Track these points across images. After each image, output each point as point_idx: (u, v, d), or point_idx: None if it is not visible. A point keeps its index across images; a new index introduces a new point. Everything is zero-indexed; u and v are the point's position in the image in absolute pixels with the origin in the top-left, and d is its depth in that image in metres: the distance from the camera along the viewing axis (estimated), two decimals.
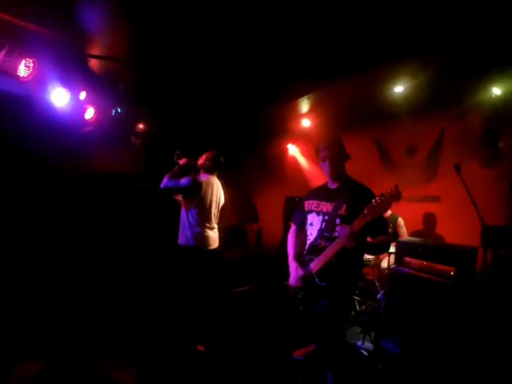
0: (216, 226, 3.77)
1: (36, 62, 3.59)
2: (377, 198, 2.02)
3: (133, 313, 4.16)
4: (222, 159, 3.76)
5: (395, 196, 1.99)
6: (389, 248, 2.44)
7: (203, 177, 3.64)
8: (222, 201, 3.83)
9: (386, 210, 2.05)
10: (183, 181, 3.50)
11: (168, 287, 4.49)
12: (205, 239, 3.59)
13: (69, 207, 4.99)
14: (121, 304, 4.34)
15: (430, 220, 4.88)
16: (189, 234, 3.56)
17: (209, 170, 3.71)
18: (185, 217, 3.61)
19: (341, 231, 2.14)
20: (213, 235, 3.69)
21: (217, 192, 3.72)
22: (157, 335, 3.71)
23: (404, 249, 3.60)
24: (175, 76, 4.54)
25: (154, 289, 4.76)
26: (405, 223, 4.68)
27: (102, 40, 3.70)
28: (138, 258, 5.34)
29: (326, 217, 2.35)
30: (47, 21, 3.27)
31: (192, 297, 3.69)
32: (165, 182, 3.52)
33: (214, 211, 3.70)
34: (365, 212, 2.03)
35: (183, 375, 3.05)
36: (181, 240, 3.64)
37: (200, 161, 3.71)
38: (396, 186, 1.99)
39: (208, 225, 3.62)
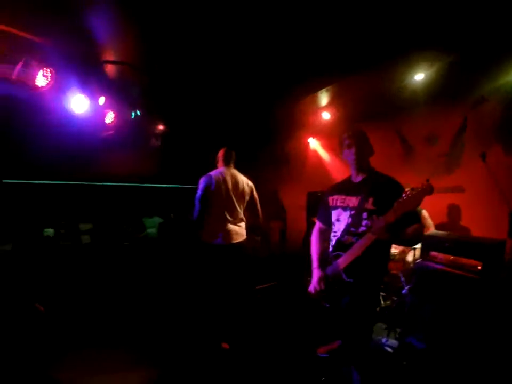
0: (240, 218, 3.73)
1: (54, 71, 3.67)
2: (408, 193, 1.96)
3: (155, 311, 4.24)
4: (230, 151, 3.82)
5: (427, 191, 1.92)
6: (422, 238, 2.36)
7: (213, 171, 3.68)
8: (246, 191, 3.78)
9: (417, 205, 1.98)
10: (196, 197, 3.57)
11: (192, 285, 4.55)
12: (226, 233, 3.58)
13: (96, 211, 5.12)
14: (141, 302, 4.43)
15: (454, 211, 4.74)
16: (208, 229, 3.58)
17: (221, 164, 3.77)
18: (206, 213, 3.62)
19: (374, 223, 2.10)
20: (235, 228, 3.65)
21: (235, 182, 3.69)
22: (182, 333, 3.77)
23: (429, 243, 3.51)
24: (190, 75, 4.55)
25: (177, 288, 4.83)
26: (429, 214, 4.57)
27: (117, 46, 3.76)
28: (161, 257, 5.43)
29: (353, 212, 2.30)
30: (61, 31, 3.33)
31: (216, 294, 3.73)
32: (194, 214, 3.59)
33: (236, 202, 3.66)
34: (395, 206, 1.98)
35: (208, 373, 3.09)
36: (204, 236, 3.65)
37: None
38: (428, 181, 1.93)
39: (229, 218, 3.60)
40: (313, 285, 2.43)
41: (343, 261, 2.27)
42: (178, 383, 3.00)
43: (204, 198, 3.55)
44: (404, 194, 1.96)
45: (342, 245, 2.31)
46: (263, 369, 3.20)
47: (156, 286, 4.80)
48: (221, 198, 3.57)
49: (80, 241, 5.00)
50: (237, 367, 3.24)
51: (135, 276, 4.90)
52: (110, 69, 4.19)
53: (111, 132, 4.85)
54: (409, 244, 3.05)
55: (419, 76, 4.39)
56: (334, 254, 2.36)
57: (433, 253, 3.42)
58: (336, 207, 2.44)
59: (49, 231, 4.81)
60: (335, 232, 2.42)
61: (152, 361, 3.25)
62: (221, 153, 3.82)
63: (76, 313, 3.94)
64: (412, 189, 1.95)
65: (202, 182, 3.60)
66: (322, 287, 2.37)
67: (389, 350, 3.47)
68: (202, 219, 3.59)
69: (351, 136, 2.38)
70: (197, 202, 3.56)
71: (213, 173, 3.67)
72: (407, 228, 2.15)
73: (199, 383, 3.00)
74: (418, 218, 2.23)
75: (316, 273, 2.45)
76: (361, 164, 2.38)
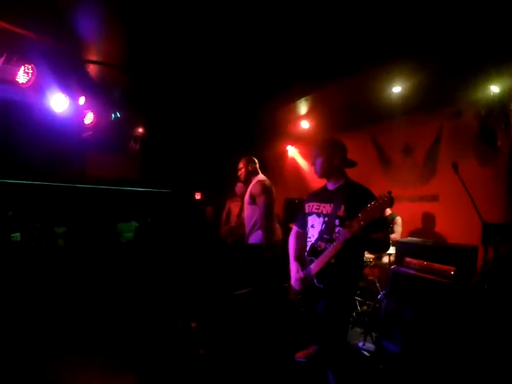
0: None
1: (35, 68, 3.61)
2: (372, 203, 2.02)
3: (131, 315, 4.16)
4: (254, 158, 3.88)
5: (387, 202, 2.00)
6: (388, 245, 2.43)
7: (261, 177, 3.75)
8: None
9: (379, 215, 2.05)
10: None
11: (168, 289, 4.49)
12: None
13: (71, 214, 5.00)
14: (116, 307, 4.34)
15: (428, 219, 4.89)
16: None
17: (255, 172, 3.82)
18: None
19: (341, 231, 2.16)
20: None
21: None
22: (158, 338, 3.71)
23: (404, 249, 3.60)
24: (171, 80, 4.56)
25: (153, 292, 4.75)
26: (404, 222, 4.70)
27: (99, 46, 3.73)
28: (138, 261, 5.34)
29: (326, 219, 2.36)
30: (44, 28, 3.29)
31: (193, 300, 3.69)
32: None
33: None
34: (360, 216, 2.04)
35: (184, 379, 3.05)
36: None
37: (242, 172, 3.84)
38: (389, 193, 2.00)
39: None
40: (293, 278, 2.48)
41: (315, 266, 2.33)
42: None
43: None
44: (368, 205, 2.03)
45: (315, 251, 2.36)
46: (240, 374, 3.17)
47: (132, 290, 4.71)
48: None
49: (55, 245, 4.87)
50: (213, 372, 3.20)
51: (110, 280, 4.80)
52: (91, 69, 4.14)
53: (89, 133, 4.77)
54: (375, 250, 3.15)
55: (396, 89, 4.54)
56: (308, 259, 2.42)
57: (408, 259, 3.50)
58: (311, 213, 2.50)
59: (17, 235, 4.64)
60: (309, 238, 2.48)
61: (130, 367, 3.18)
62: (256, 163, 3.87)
63: (53, 319, 3.82)
64: (376, 200, 2.03)
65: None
66: (299, 286, 2.41)
67: (366, 354, 3.51)
68: None
69: (316, 149, 2.48)
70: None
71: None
72: (373, 235, 2.23)
73: None
74: (384, 226, 2.31)
75: (293, 266, 2.52)
76: (327, 175, 2.47)
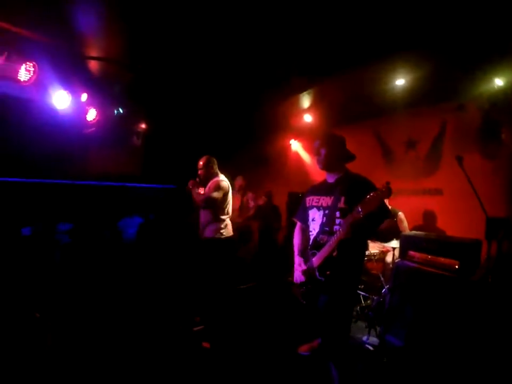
0: None
1: (36, 66, 3.60)
2: (371, 194, 2.02)
3: (135, 309, 4.19)
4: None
5: (385, 193, 1.99)
6: (395, 232, 2.42)
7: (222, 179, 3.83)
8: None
9: (377, 206, 2.04)
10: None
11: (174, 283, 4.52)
12: None
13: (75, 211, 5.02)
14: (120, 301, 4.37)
15: (431, 213, 4.88)
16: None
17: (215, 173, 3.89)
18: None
19: (340, 226, 2.17)
20: None
21: None
22: (163, 331, 3.74)
23: (407, 243, 3.61)
24: (173, 74, 4.54)
25: (159, 286, 4.79)
26: (406, 216, 4.68)
27: (100, 43, 3.72)
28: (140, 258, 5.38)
29: (327, 212, 2.36)
30: (45, 26, 3.28)
31: (199, 294, 3.74)
32: None
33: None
34: (359, 207, 2.04)
35: (188, 372, 3.07)
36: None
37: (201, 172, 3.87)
38: (387, 183, 1.99)
39: None
40: (296, 271, 2.49)
41: (316, 259, 2.34)
42: (160, 381, 2.97)
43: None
44: (367, 196, 2.02)
45: (317, 244, 2.37)
46: (244, 368, 3.19)
47: (134, 286, 4.75)
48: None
49: (59, 241, 4.90)
50: (218, 366, 3.22)
51: (114, 274, 4.84)
52: (93, 66, 4.13)
53: (92, 129, 4.78)
54: (383, 239, 3.14)
55: (400, 81, 4.50)
56: (310, 252, 2.42)
57: (412, 253, 3.50)
58: (312, 207, 2.51)
59: (26, 231, 4.70)
60: (311, 231, 2.49)
61: (134, 360, 3.20)
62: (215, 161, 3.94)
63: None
64: (375, 190, 2.02)
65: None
66: (302, 279, 2.42)
67: (370, 348, 3.52)
68: None
69: (320, 140, 2.49)
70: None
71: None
72: (378, 225, 2.25)
73: (181, 382, 2.97)
74: (386, 214, 2.29)
75: (296, 260, 2.54)
76: (330, 166, 2.47)
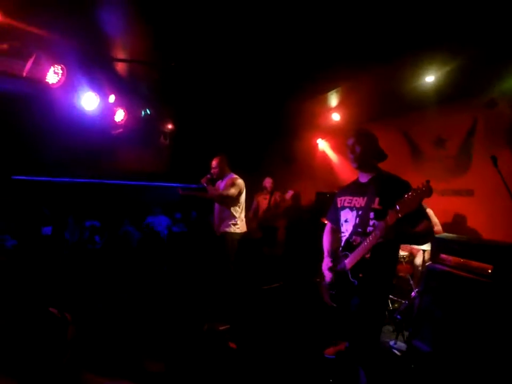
0: None
1: (64, 68, 3.68)
2: (410, 193, 1.94)
3: (159, 308, 4.23)
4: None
5: (426, 192, 1.90)
6: (432, 234, 2.31)
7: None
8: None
9: (417, 206, 1.96)
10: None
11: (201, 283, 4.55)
12: None
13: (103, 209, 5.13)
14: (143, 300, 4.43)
15: (462, 214, 4.72)
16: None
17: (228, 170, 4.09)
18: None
19: (378, 224, 2.09)
20: None
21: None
22: (188, 332, 3.76)
23: (439, 246, 3.48)
24: (199, 74, 4.56)
25: (185, 285, 4.83)
26: (437, 217, 4.53)
27: (127, 44, 3.76)
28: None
29: (360, 212, 2.30)
30: (72, 28, 3.34)
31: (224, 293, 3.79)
32: None
33: None
34: (397, 207, 1.97)
35: (215, 373, 3.08)
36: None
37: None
38: (427, 182, 1.90)
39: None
40: (325, 272, 2.46)
41: (349, 261, 2.28)
42: (185, 381, 2.99)
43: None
44: (406, 195, 1.95)
45: (350, 246, 2.31)
46: (270, 369, 3.18)
47: (159, 284, 4.81)
48: None
49: (88, 239, 5.02)
50: (244, 367, 3.22)
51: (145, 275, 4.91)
52: (120, 67, 4.20)
53: (120, 130, 4.86)
54: (419, 242, 2.96)
55: (429, 78, 4.36)
56: (342, 253, 2.36)
57: (443, 256, 3.39)
58: (344, 208, 2.44)
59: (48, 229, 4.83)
60: (343, 232, 2.43)
61: (158, 359, 3.23)
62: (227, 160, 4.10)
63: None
64: (413, 190, 1.94)
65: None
66: (332, 281, 2.38)
67: (397, 353, 3.44)
68: None
69: (354, 137, 2.40)
70: None
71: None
72: (414, 226, 2.14)
73: (206, 383, 2.98)
74: (424, 215, 2.19)
75: (326, 261, 2.51)
76: (365, 164, 2.38)
